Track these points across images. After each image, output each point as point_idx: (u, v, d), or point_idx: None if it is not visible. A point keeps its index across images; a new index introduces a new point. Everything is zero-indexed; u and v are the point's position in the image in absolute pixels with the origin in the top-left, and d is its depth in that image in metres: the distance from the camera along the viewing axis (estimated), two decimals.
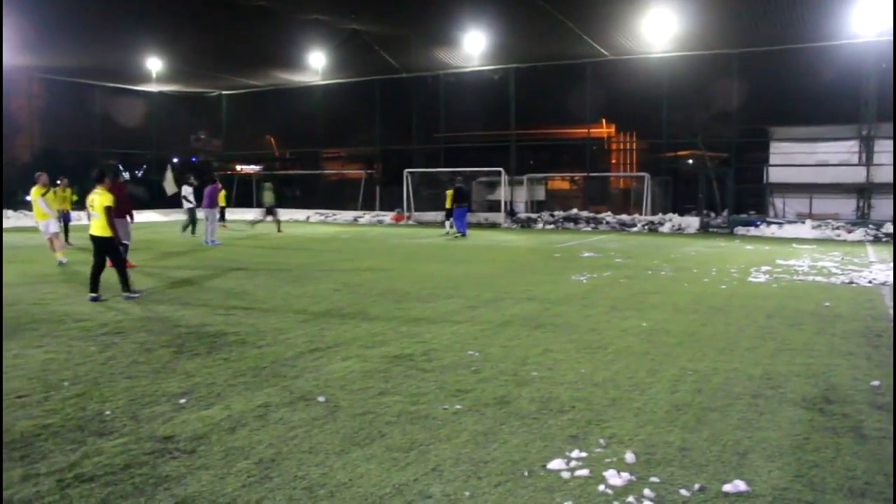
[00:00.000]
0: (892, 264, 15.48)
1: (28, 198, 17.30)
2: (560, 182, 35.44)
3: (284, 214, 34.89)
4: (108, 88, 36.72)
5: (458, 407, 5.57)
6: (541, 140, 34.62)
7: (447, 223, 25.26)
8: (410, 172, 32.61)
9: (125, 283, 10.82)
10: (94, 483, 4.15)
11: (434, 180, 33.42)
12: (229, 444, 4.76)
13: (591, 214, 29.96)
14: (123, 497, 3.98)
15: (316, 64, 33.17)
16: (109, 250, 10.76)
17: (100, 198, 10.59)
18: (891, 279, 12.91)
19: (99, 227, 10.65)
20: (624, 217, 29.42)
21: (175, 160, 38.53)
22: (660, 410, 5.52)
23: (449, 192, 24.65)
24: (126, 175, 37.19)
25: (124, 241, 12.98)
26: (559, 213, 30.61)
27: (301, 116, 39.39)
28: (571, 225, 29.72)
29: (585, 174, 32.53)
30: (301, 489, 4.09)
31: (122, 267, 10.93)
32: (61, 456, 4.55)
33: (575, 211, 30.61)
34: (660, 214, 29.11)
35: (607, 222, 29.15)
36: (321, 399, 5.76)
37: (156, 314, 9.47)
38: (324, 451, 4.66)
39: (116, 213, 11.13)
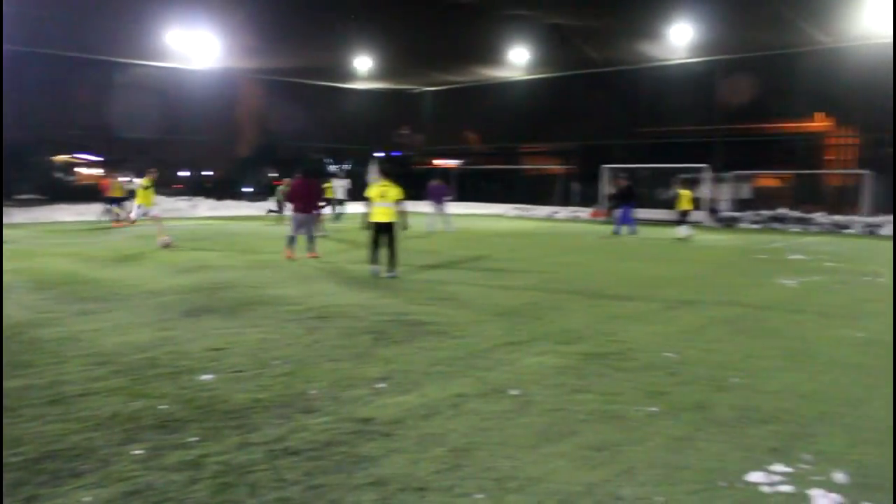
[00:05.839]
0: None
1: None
2: (768, 180, 33.30)
3: (483, 208, 35.46)
4: (319, 87, 38.90)
5: (653, 409, 5.43)
6: (748, 136, 32.74)
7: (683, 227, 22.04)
8: (608, 168, 31.97)
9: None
10: (299, 457, 4.44)
11: (635, 177, 32.40)
12: (424, 431, 4.92)
13: (801, 214, 28.08)
14: (325, 472, 4.22)
15: (518, 59, 33.40)
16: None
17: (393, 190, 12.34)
18: None
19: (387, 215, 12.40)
20: (838, 218, 27.28)
21: (378, 154, 40.16)
22: (876, 429, 5.10)
23: (683, 193, 22.19)
24: (334, 168, 39.28)
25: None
26: (765, 213, 28.94)
27: (501, 112, 39.86)
28: (778, 225, 28.04)
29: (796, 172, 30.53)
30: (491, 480, 4.15)
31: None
32: (270, 429, 4.89)
33: (782, 210, 28.78)
34: (881, 216, 26.69)
35: (818, 223, 27.23)
36: (514, 392, 5.80)
37: (358, 301, 9.93)
38: (515, 445, 4.69)
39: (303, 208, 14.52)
